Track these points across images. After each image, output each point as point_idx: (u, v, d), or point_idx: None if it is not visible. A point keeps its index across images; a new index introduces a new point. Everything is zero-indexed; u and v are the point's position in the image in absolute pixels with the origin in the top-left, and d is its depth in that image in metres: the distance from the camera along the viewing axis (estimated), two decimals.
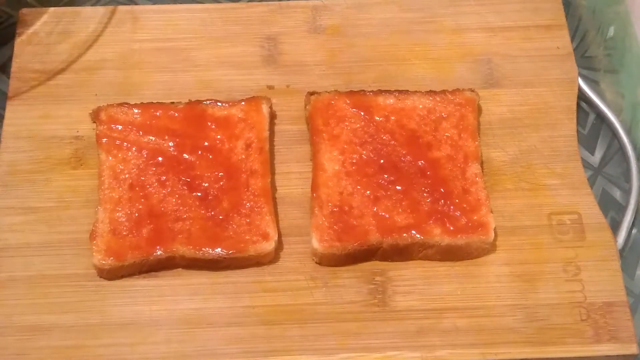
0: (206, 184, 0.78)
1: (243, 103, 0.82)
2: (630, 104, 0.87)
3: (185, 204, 0.77)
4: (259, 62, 0.87)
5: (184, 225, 0.76)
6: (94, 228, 0.76)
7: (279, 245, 0.78)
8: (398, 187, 0.78)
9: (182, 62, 0.87)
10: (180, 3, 0.92)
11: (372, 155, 0.80)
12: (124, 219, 0.76)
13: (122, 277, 0.76)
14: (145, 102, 0.82)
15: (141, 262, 0.75)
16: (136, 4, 0.93)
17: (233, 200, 0.77)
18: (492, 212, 0.78)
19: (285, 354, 0.74)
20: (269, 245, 0.76)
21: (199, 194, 0.78)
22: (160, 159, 0.79)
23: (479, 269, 0.78)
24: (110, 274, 0.76)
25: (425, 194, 0.78)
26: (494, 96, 0.86)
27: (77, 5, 0.92)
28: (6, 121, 0.84)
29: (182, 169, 0.78)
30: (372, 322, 0.75)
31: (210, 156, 0.79)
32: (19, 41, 0.88)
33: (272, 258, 0.77)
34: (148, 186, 0.77)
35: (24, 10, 0.90)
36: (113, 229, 0.76)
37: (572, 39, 0.90)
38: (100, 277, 0.76)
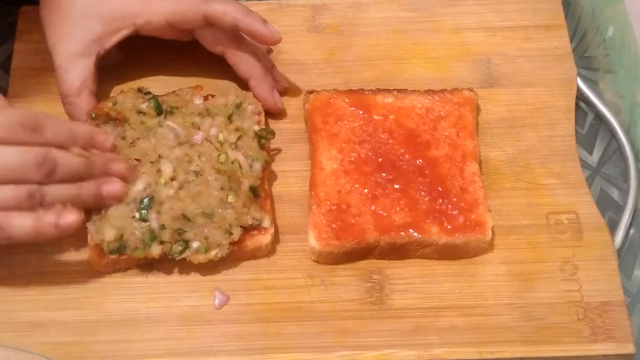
0: None
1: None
2: (629, 104, 0.87)
3: None
4: None
5: None
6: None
7: (277, 242, 0.78)
8: (396, 186, 0.78)
9: (183, 60, 0.87)
10: None
11: (370, 154, 0.80)
12: None
13: (118, 270, 0.77)
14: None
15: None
16: None
17: None
18: (489, 211, 0.78)
19: (282, 351, 0.74)
20: (265, 239, 0.76)
21: None
22: None
23: (476, 268, 0.78)
24: (108, 268, 0.76)
25: (423, 193, 0.78)
26: (493, 96, 0.86)
27: None
28: None
29: None
30: (369, 320, 0.75)
31: None
32: (19, 39, 0.89)
33: (268, 252, 0.78)
34: None
35: (25, 8, 0.90)
36: None
37: (571, 39, 0.90)
38: (98, 270, 0.76)
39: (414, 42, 0.89)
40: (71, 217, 0.71)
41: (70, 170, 0.72)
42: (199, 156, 0.77)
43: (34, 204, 0.70)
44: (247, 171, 0.77)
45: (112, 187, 0.74)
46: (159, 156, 0.77)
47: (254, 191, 0.77)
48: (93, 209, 0.75)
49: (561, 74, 0.88)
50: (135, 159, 0.77)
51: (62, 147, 0.72)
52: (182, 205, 0.75)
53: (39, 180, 0.71)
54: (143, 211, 0.75)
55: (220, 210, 0.75)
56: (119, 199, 0.75)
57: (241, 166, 0.77)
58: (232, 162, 0.77)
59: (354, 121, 0.82)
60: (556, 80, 0.87)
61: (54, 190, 0.71)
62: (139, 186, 0.76)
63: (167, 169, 0.76)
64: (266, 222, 0.77)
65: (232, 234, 0.75)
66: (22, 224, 0.70)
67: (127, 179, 0.76)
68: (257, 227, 0.76)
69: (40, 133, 0.71)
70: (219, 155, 0.77)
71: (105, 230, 0.74)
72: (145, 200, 0.75)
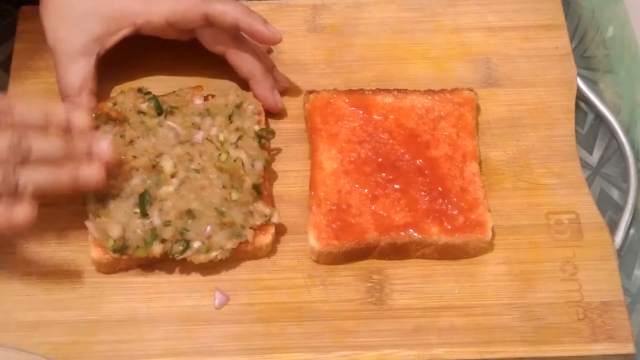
0: None
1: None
2: (629, 104, 0.87)
3: None
4: None
5: None
6: None
7: (277, 242, 0.78)
8: (396, 186, 0.78)
9: (183, 60, 0.87)
10: None
11: (370, 154, 0.80)
12: None
13: (119, 271, 0.77)
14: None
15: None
16: None
17: None
18: (490, 211, 0.78)
19: (282, 351, 0.74)
20: (266, 239, 0.77)
21: None
22: None
23: (476, 268, 0.78)
24: (108, 268, 0.76)
25: (423, 193, 0.78)
26: (493, 96, 0.86)
27: None
28: None
29: None
30: (369, 320, 0.75)
31: None
32: (19, 38, 0.89)
33: (268, 252, 0.78)
34: None
35: (25, 8, 0.90)
36: None
37: (571, 39, 0.90)
38: (99, 271, 0.77)
39: (413, 42, 0.89)
40: (23, 214, 0.68)
41: (46, 153, 0.70)
42: (200, 155, 0.77)
43: (7, 188, 0.68)
44: (249, 169, 0.77)
45: (90, 171, 0.71)
46: (160, 153, 0.77)
47: (256, 189, 0.77)
48: (75, 195, 0.73)
49: (561, 74, 0.88)
50: (132, 156, 0.77)
51: (39, 129, 0.69)
52: (186, 201, 0.75)
53: (13, 164, 0.68)
54: (144, 206, 0.75)
55: (224, 209, 0.75)
56: (97, 185, 0.72)
57: (243, 164, 0.77)
58: (234, 160, 0.77)
59: (354, 121, 0.82)
60: (556, 80, 0.87)
61: (29, 175, 0.69)
62: (136, 180, 0.76)
63: (167, 165, 0.76)
64: (275, 217, 0.77)
65: (240, 236, 0.75)
66: None
67: (113, 159, 0.73)
68: (260, 226, 0.76)
69: (10, 115, 0.68)
70: (220, 155, 0.77)
71: (110, 227, 0.74)
72: (145, 195, 0.75)
